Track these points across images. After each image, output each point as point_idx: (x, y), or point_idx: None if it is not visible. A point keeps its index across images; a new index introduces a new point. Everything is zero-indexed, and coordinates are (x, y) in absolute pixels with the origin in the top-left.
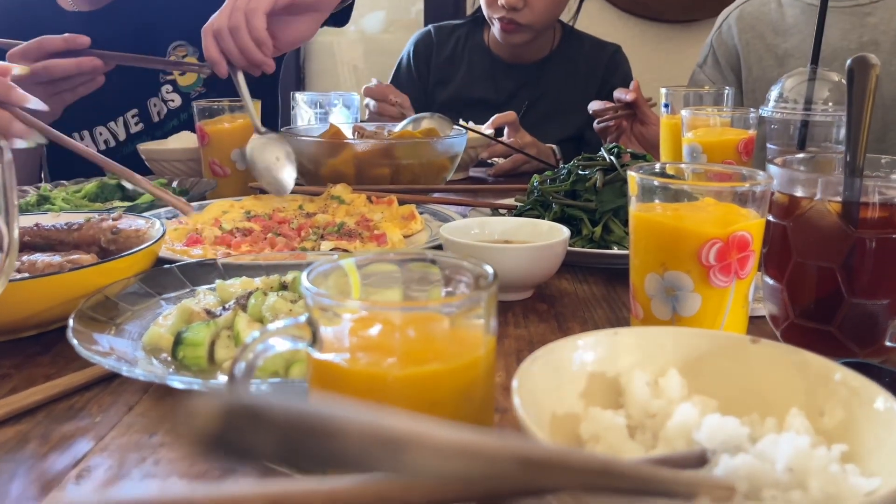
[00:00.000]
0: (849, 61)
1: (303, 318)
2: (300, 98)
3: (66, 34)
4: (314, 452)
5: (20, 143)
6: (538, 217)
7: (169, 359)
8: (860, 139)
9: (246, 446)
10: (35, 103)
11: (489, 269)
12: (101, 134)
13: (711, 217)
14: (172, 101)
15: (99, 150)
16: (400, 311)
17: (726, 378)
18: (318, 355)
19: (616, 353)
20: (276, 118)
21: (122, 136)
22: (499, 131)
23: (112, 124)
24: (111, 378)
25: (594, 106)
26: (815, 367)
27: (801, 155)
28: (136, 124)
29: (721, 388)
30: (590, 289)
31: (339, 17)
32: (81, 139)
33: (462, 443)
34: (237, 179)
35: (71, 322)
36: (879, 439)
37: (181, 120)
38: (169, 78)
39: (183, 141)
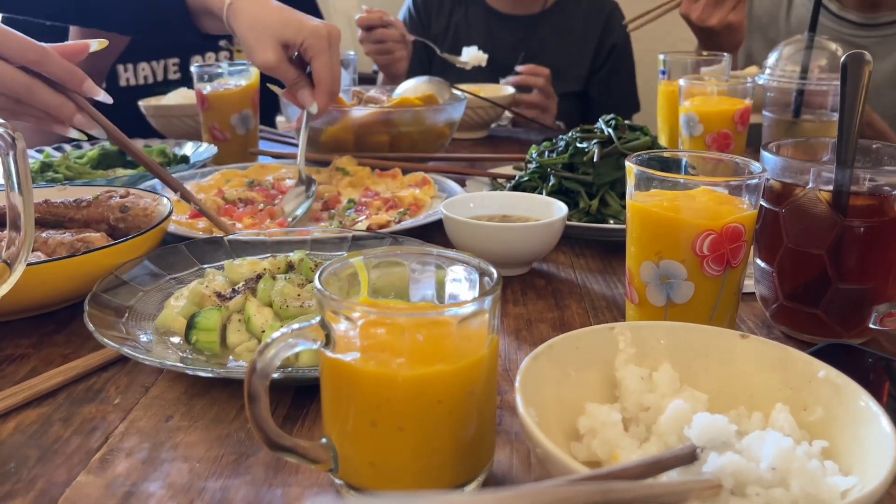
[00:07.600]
0: (843, 57)
1: (316, 321)
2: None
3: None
4: None
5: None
6: (536, 188)
7: (181, 342)
8: (852, 132)
9: None
10: (104, 96)
11: (493, 270)
12: (142, 69)
13: (705, 208)
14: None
15: (137, 84)
16: (408, 315)
17: (716, 372)
18: (331, 355)
19: (612, 347)
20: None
21: (160, 76)
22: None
23: (154, 63)
24: (127, 359)
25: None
26: (800, 364)
27: (794, 140)
28: (175, 73)
29: (711, 382)
30: (586, 262)
31: None
32: (125, 71)
33: None
34: (238, 144)
35: (87, 306)
36: (858, 437)
37: None
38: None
39: (182, 97)
